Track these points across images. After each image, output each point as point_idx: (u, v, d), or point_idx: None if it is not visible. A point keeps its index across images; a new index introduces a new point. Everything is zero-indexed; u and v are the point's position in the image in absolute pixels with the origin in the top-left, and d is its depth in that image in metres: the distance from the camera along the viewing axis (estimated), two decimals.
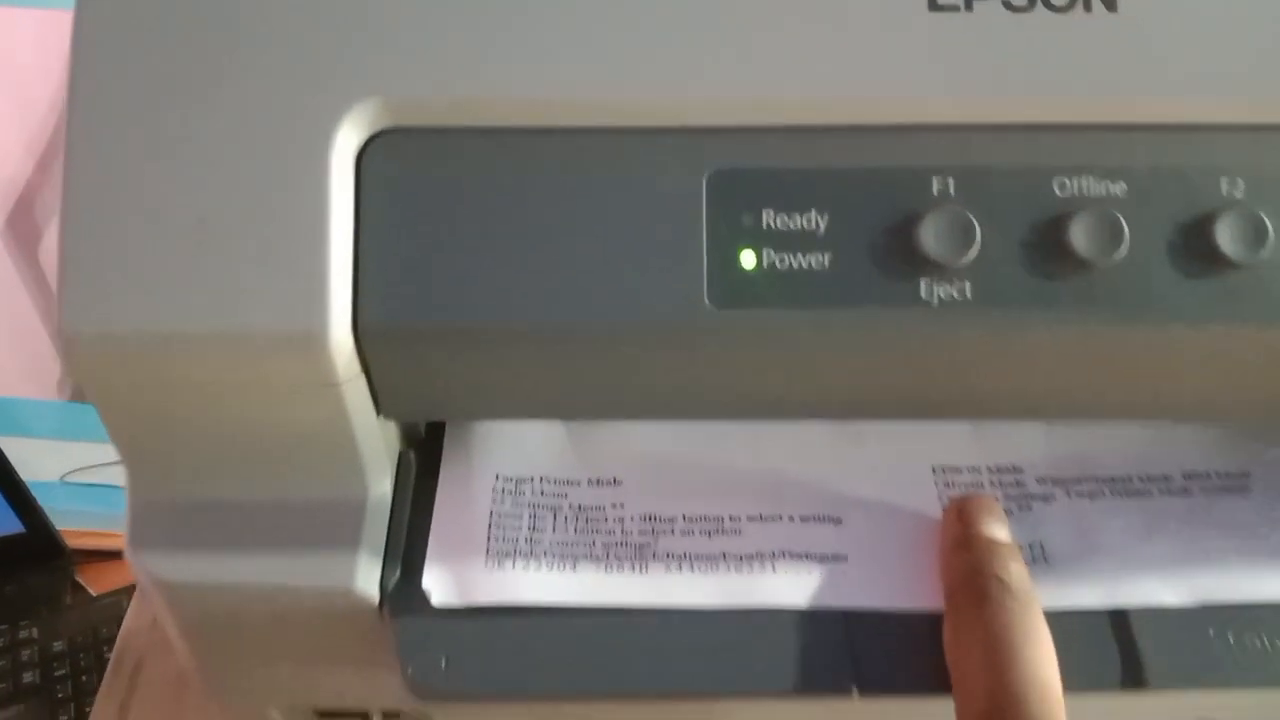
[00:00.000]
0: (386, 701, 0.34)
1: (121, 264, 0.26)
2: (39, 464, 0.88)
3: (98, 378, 0.27)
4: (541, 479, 0.32)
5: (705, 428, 0.33)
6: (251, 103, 0.26)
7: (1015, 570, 0.28)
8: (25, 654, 0.83)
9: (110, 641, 0.81)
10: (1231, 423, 0.34)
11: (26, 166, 1.52)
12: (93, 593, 0.88)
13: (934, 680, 0.28)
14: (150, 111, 0.26)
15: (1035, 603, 0.27)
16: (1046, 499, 0.32)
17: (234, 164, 0.26)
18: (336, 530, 0.29)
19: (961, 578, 0.28)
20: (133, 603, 0.43)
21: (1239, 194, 0.27)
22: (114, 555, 0.92)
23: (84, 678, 0.82)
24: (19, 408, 1.24)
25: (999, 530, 0.29)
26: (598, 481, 0.32)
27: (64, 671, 0.82)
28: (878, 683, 0.28)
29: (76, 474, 1.06)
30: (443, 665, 0.28)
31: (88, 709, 0.79)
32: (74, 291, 0.26)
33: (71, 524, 0.91)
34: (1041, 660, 0.26)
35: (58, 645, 0.84)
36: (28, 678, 0.82)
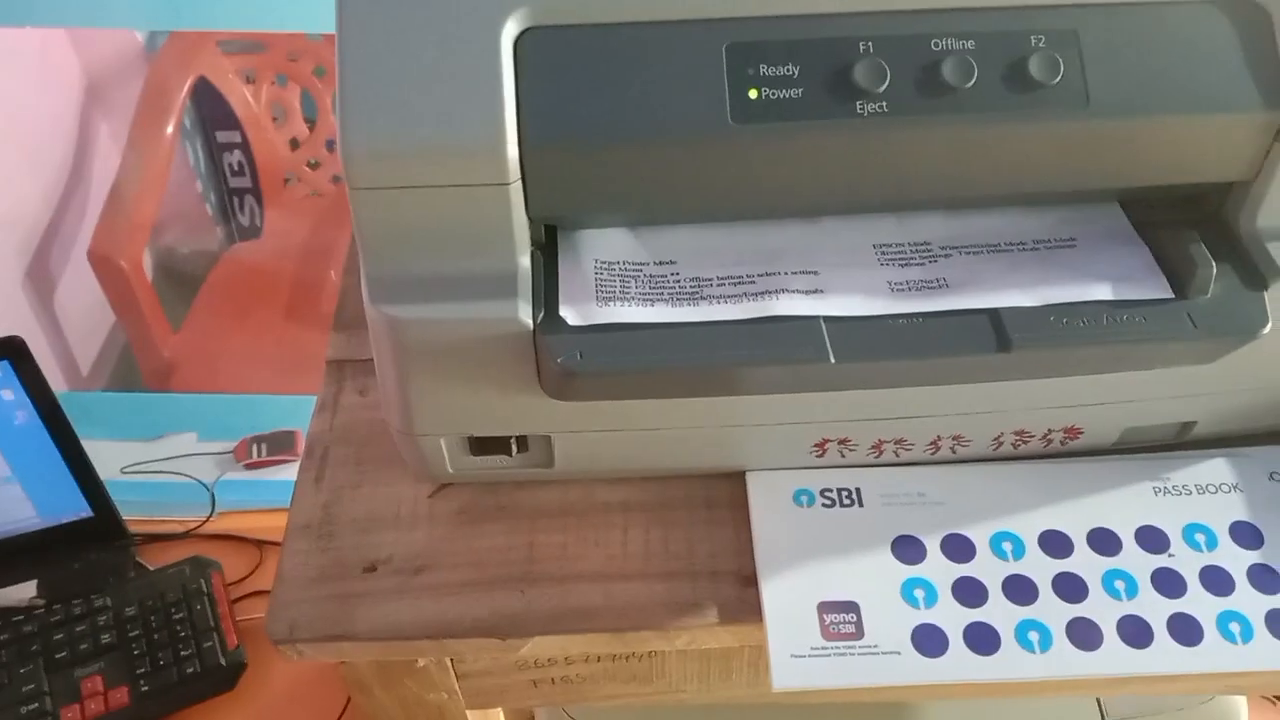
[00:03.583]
0: (523, 427, 0.51)
1: (377, 107, 0.43)
2: (100, 459, 0.97)
3: (363, 181, 0.44)
4: (623, 262, 0.50)
5: (722, 229, 0.51)
6: (455, 8, 0.44)
7: None
8: (101, 619, 0.94)
9: (176, 605, 0.95)
10: (1062, 207, 0.52)
11: (45, 214, 1.67)
12: (151, 569, 0.99)
13: (886, 350, 0.46)
14: (390, 14, 0.44)
15: None
16: (947, 256, 0.50)
17: (443, 47, 0.44)
18: (504, 287, 0.46)
19: None
20: (314, 413, 0.59)
21: (1042, 44, 0.46)
22: (167, 538, 1.05)
23: (155, 635, 0.93)
24: (90, 407, 1.37)
25: None
26: (659, 262, 0.50)
27: (137, 632, 0.93)
28: (848, 354, 0.46)
29: (133, 469, 1.21)
30: (579, 356, 0.45)
31: (162, 662, 0.91)
32: (350, 124, 0.43)
33: (128, 512, 1.01)
34: None
35: (130, 610, 0.95)
36: (105, 639, 0.93)
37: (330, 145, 1.79)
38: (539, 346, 0.46)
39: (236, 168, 1.88)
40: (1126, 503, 0.54)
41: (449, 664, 0.55)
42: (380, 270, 0.46)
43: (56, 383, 1.61)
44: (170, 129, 1.60)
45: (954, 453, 0.54)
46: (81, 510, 0.98)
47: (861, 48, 0.45)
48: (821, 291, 0.48)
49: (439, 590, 0.51)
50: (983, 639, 0.49)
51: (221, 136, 1.85)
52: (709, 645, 0.51)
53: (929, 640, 0.49)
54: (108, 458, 1.09)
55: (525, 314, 0.46)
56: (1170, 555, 0.52)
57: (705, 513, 0.54)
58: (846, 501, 0.53)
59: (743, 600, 0.50)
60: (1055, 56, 0.45)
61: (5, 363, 0.89)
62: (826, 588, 0.50)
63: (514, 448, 0.52)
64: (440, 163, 0.44)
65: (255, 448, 1.20)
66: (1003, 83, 0.46)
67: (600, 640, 0.50)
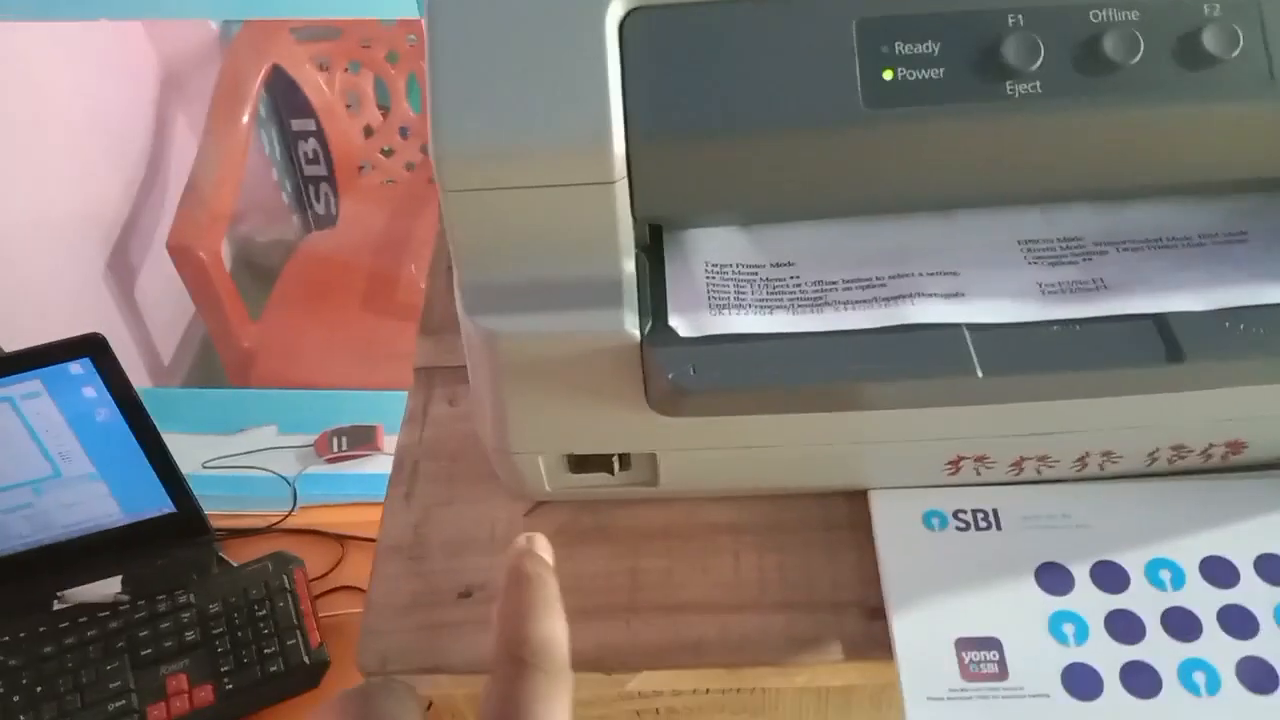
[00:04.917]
0: (627, 445, 0.47)
1: (471, 103, 0.39)
2: (181, 454, 0.97)
3: (457, 184, 0.40)
4: (737, 264, 0.45)
5: (844, 226, 0.46)
6: None
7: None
8: (185, 616, 0.94)
9: (259, 602, 0.94)
10: (1233, 196, 0.46)
11: (124, 207, 1.68)
12: (234, 564, 0.99)
13: (1040, 363, 0.40)
14: (485, 8, 0.40)
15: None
16: (1102, 254, 0.45)
17: (541, 34, 0.40)
18: (608, 295, 0.42)
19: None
20: (403, 424, 0.56)
21: (1218, 13, 0.40)
22: (249, 533, 1.04)
23: (239, 633, 0.93)
24: (170, 402, 1.38)
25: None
26: (776, 264, 0.45)
27: (221, 629, 0.93)
28: (997, 366, 0.41)
29: (214, 463, 1.20)
30: (691, 371, 0.41)
31: (245, 660, 0.90)
32: (442, 122, 0.39)
33: (210, 507, 1.01)
34: None
35: (214, 607, 0.94)
36: (190, 636, 0.93)
37: (404, 132, 1.76)
38: (647, 360, 0.42)
39: (311, 156, 1.87)
40: None
41: None
42: (475, 278, 0.43)
43: (138, 377, 1.63)
44: (246, 118, 1.60)
45: (1102, 470, 0.49)
46: (165, 506, 0.98)
47: (1011, 21, 0.40)
48: (963, 295, 0.43)
49: None
50: (1141, 680, 0.44)
51: (296, 124, 1.84)
52: (832, 684, 0.47)
53: (1081, 681, 0.44)
54: (189, 452, 1.10)
55: (632, 324, 0.42)
56: None
57: (823, 535, 0.50)
58: (983, 524, 0.49)
59: (869, 635, 0.46)
60: (1234, 27, 0.39)
61: (87, 360, 0.88)
62: (964, 622, 0.45)
63: (616, 465, 0.49)
64: (540, 161, 0.40)
65: (336, 441, 1.19)
66: (1172, 58, 0.40)
67: (712, 675, 0.46)
